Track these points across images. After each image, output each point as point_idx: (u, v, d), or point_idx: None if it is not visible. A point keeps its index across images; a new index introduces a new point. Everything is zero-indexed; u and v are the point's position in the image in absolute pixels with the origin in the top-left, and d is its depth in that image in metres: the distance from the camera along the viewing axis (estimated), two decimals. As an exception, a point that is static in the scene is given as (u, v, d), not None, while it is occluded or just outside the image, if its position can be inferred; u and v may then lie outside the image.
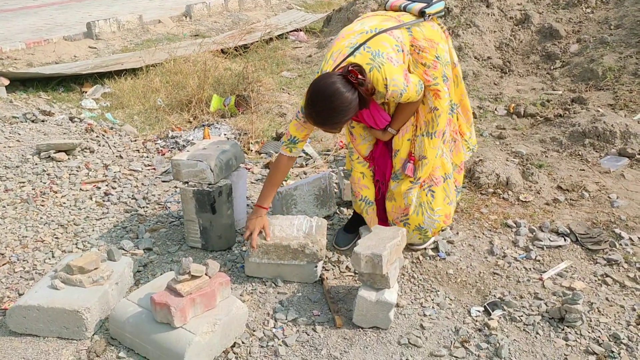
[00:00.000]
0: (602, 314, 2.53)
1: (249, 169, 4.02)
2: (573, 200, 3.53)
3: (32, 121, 4.85)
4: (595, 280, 2.78)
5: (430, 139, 2.71)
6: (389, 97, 2.49)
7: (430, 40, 2.62)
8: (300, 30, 8.67)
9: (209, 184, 2.87)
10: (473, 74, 5.82)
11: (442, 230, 3.09)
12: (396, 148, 2.78)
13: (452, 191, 2.93)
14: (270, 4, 11.16)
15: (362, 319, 2.42)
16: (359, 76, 2.35)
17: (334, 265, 2.89)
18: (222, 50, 6.39)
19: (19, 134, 4.54)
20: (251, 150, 4.39)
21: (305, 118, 2.52)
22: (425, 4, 2.67)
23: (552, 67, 5.93)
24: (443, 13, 2.78)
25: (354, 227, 3.08)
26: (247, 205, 3.41)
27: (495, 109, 5.06)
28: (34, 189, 3.64)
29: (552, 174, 3.84)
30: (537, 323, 2.47)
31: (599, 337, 2.39)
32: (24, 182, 3.72)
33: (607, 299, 2.64)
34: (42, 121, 4.88)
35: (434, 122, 2.69)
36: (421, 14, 2.63)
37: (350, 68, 2.36)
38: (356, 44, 2.47)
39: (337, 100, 2.34)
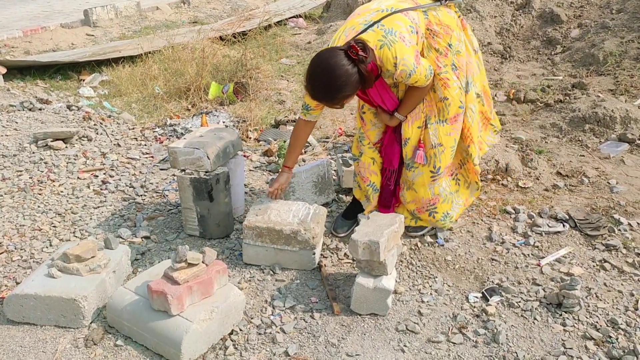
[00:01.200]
0: (600, 300, 2.53)
1: (247, 157, 4.00)
2: (572, 186, 3.52)
3: (30, 109, 4.83)
4: (594, 266, 2.77)
5: (443, 125, 2.70)
6: (397, 76, 2.45)
7: (446, 26, 2.60)
8: (300, 17, 8.60)
9: (206, 172, 2.85)
10: (473, 60, 5.78)
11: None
12: (406, 137, 2.76)
13: (472, 175, 2.95)
14: (269, -10, 11.06)
15: (360, 306, 2.42)
16: (360, 52, 2.31)
17: (332, 253, 2.88)
18: (220, 37, 6.34)
19: (16, 123, 4.52)
20: (250, 138, 4.38)
21: (305, 91, 2.51)
22: None
23: (552, 53, 5.89)
24: (461, 0, 2.74)
25: (352, 213, 3.08)
26: (245, 193, 3.40)
27: (495, 95, 5.02)
28: (31, 178, 3.63)
29: (551, 159, 3.82)
30: (535, 309, 2.47)
31: (597, 322, 2.39)
32: (21, 171, 3.71)
33: (605, 284, 2.63)
34: (40, 109, 4.86)
35: (445, 111, 2.68)
36: None
37: (352, 43, 2.33)
38: (370, 22, 2.44)
39: (334, 74, 2.30)
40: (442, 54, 2.60)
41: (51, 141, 4.05)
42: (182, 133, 4.41)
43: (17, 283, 2.60)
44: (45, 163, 3.83)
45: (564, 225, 3.06)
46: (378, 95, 2.66)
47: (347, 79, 2.32)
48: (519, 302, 2.51)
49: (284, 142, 4.10)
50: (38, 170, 3.74)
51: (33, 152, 3.97)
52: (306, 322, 2.39)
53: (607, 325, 2.37)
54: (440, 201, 2.86)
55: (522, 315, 2.44)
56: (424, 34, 2.57)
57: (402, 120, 2.73)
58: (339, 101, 2.43)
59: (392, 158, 2.86)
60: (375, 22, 2.43)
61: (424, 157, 2.75)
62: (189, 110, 4.94)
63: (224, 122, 4.62)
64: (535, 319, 2.42)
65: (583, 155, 3.88)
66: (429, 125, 2.72)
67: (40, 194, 3.43)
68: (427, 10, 2.58)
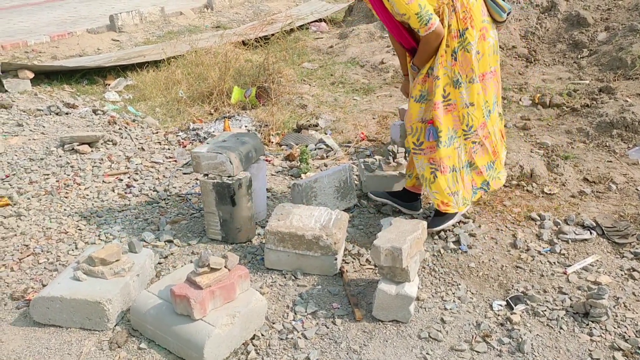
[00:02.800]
0: (629, 309, 2.47)
1: (269, 161, 4.01)
2: (600, 192, 3.45)
3: (56, 114, 4.92)
4: (622, 275, 2.71)
5: (472, 83, 2.69)
6: None
7: (469, 14, 2.60)
8: (322, 21, 8.60)
9: (229, 177, 2.87)
10: (497, 64, 5.71)
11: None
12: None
13: (455, 184, 2.87)
14: (292, -5, 11.10)
15: (382, 313, 2.40)
16: None
17: (353, 258, 2.87)
18: (243, 41, 6.38)
19: (44, 127, 4.61)
20: (272, 142, 4.39)
21: None
22: None
23: (579, 56, 5.79)
24: (504, 17, 2.73)
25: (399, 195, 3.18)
26: (267, 197, 3.41)
27: (520, 100, 4.96)
28: (57, 181, 3.69)
29: (578, 165, 3.76)
30: (561, 318, 2.42)
31: (625, 332, 2.33)
32: (48, 174, 3.77)
33: (634, 293, 2.57)
34: (66, 114, 4.95)
35: (432, 87, 2.70)
36: None
37: None
38: None
39: None
40: (451, 35, 2.61)
41: (77, 145, 4.12)
42: (204, 137, 4.45)
43: (44, 285, 2.64)
44: (72, 167, 3.89)
45: (591, 233, 3.00)
46: (395, 27, 2.69)
47: None
48: (545, 310, 2.47)
49: (306, 146, 4.10)
50: (64, 173, 3.80)
51: (60, 156, 4.04)
52: (328, 328, 2.39)
53: (636, 336, 2.31)
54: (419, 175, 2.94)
55: (547, 325, 2.40)
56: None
57: (414, 73, 2.80)
58: None
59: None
60: None
61: (430, 134, 2.77)
62: (212, 114, 4.98)
63: (246, 126, 4.65)
64: (561, 328, 2.37)
65: (611, 161, 3.80)
66: (461, 85, 2.70)
67: (66, 197, 3.49)
68: None
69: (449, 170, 2.83)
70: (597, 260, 2.82)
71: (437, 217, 2.99)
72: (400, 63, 3.04)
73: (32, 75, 5.63)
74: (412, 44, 2.75)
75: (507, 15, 2.74)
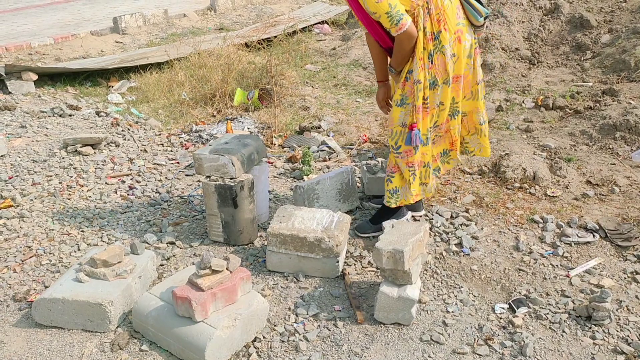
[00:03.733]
0: (632, 313, 2.46)
1: (271, 163, 4.01)
2: (603, 195, 3.44)
3: (60, 115, 4.94)
4: (625, 278, 2.70)
5: (447, 85, 2.72)
6: None
7: (443, 17, 2.59)
8: (325, 23, 8.61)
9: (231, 179, 2.87)
10: (500, 66, 5.70)
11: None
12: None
13: (426, 177, 2.94)
14: (295, -3, 11.12)
15: (384, 315, 2.40)
16: None
17: (355, 260, 2.87)
18: (245, 43, 6.39)
19: (47, 128, 4.62)
20: (274, 144, 4.39)
21: None
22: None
23: (582, 58, 5.78)
24: (480, 22, 2.71)
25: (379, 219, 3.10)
26: (269, 199, 3.41)
27: (523, 102, 4.95)
28: (60, 183, 3.70)
29: (581, 168, 3.75)
30: (564, 321, 2.41)
31: (628, 336, 2.32)
32: (51, 176, 3.78)
33: (637, 297, 2.56)
34: (70, 115, 4.96)
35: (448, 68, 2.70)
36: None
37: None
38: None
39: None
40: (427, 38, 2.61)
41: (80, 147, 4.13)
42: (207, 139, 4.45)
43: (46, 287, 2.65)
44: (75, 168, 3.90)
45: (594, 236, 2.99)
46: (372, 25, 2.68)
47: None
48: (547, 314, 2.46)
49: (308, 148, 4.11)
50: (67, 175, 3.81)
51: (63, 158, 4.05)
52: (329, 330, 2.38)
53: (639, 340, 2.30)
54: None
55: (550, 328, 2.39)
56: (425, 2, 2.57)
57: (393, 76, 2.81)
58: None
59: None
60: None
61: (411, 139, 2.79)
62: (215, 116, 4.99)
63: (248, 128, 4.65)
64: (563, 331, 2.36)
65: (614, 164, 3.79)
66: (438, 87, 2.72)
67: (69, 199, 3.50)
68: None
69: (423, 165, 2.90)
70: (600, 263, 2.81)
71: (388, 212, 3.03)
72: (375, 68, 2.99)
73: (35, 77, 5.65)
74: (388, 43, 2.73)
75: (485, 19, 2.72)
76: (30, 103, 5.26)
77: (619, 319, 2.42)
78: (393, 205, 2.98)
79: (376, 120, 4.77)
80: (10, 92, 5.40)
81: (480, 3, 2.69)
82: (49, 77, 5.96)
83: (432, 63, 2.65)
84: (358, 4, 2.61)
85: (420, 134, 2.76)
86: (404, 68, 2.71)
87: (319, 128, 4.59)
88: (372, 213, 3.27)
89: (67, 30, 7.88)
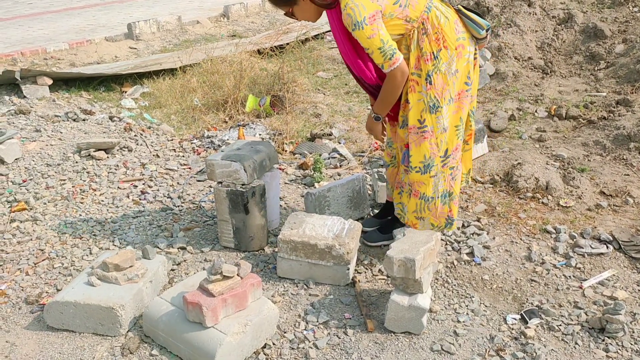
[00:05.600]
0: (646, 326, 2.43)
1: (282, 170, 4.02)
2: (616, 206, 3.41)
3: (74, 120, 4.98)
4: (639, 290, 2.67)
5: (449, 104, 2.57)
6: (344, 20, 2.39)
7: (441, 35, 2.47)
8: (337, 31, 8.62)
9: (243, 184, 2.87)
10: (513, 75, 5.68)
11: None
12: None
13: (423, 211, 2.74)
14: (307, 4, 11.15)
15: (394, 324, 2.39)
16: None
17: (366, 268, 2.86)
18: (258, 50, 6.42)
19: (61, 133, 4.66)
20: (285, 151, 4.40)
21: None
22: (471, 9, 2.60)
23: (596, 68, 5.74)
24: (482, 35, 2.58)
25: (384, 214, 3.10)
26: (280, 206, 3.41)
27: (536, 111, 4.93)
28: (73, 187, 3.73)
29: (594, 178, 3.71)
30: (577, 333, 2.39)
31: (643, 350, 2.29)
32: (64, 180, 3.81)
33: (651, 310, 2.53)
34: (83, 120, 5.00)
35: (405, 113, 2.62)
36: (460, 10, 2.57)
37: None
38: None
39: None
40: (424, 58, 2.49)
41: (94, 151, 4.16)
42: (219, 145, 4.47)
43: (58, 290, 2.66)
44: (88, 172, 3.93)
45: (607, 247, 2.96)
46: (346, 54, 2.59)
47: None
48: (560, 325, 2.43)
49: (319, 155, 4.11)
50: (80, 179, 3.84)
51: (76, 162, 4.08)
52: (339, 338, 2.37)
53: (654, 353, 2.27)
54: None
55: (562, 340, 2.37)
56: (416, 22, 2.47)
57: (379, 120, 2.68)
58: (280, 3, 2.53)
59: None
60: None
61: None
62: (226, 122, 5.01)
63: (260, 134, 4.66)
64: (576, 343, 2.34)
65: (628, 175, 3.76)
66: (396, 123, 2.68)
67: (82, 203, 3.52)
68: (431, 8, 2.48)
69: (420, 196, 2.70)
70: (614, 275, 2.78)
71: (394, 222, 2.99)
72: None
73: (50, 82, 5.70)
74: (375, 78, 2.60)
75: (487, 32, 2.60)
76: (45, 107, 5.31)
77: (633, 332, 2.39)
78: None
79: (388, 128, 4.76)
80: (25, 97, 5.45)
81: (480, 15, 2.60)
82: (64, 82, 6.02)
83: (430, 84, 2.51)
84: (346, 39, 2.53)
85: (409, 152, 2.64)
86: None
87: (330, 135, 4.59)
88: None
89: (82, 36, 7.97)
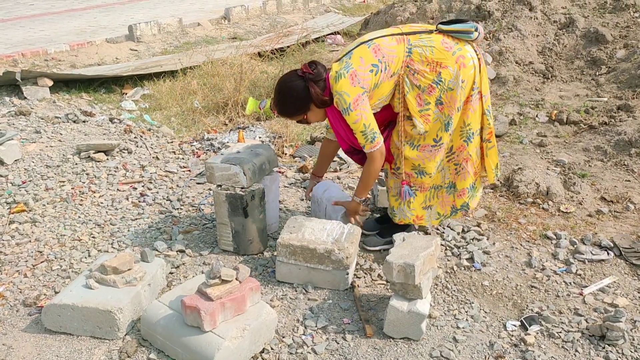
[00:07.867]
0: (647, 333, 2.42)
1: (282, 173, 4.01)
2: (617, 212, 3.40)
3: (74, 121, 4.97)
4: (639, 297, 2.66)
5: (412, 148, 2.73)
6: (336, 105, 2.62)
7: (434, 62, 2.56)
8: (338, 34, 8.65)
9: (242, 188, 2.87)
10: (514, 79, 5.68)
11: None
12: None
13: (432, 199, 2.89)
14: (308, 7, 11.19)
15: (393, 329, 2.37)
16: (308, 70, 2.61)
17: (365, 273, 2.85)
18: (258, 53, 6.42)
19: (61, 134, 4.65)
20: (285, 154, 4.39)
21: None
22: (452, 20, 2.64)
23: (597, 73, 5.74)
24: (473, 37, 2.60)
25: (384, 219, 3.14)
26: (280, 209, 3.40)
27: (536, 116, 4.92)
28: (73, 188, 3.72)
29: (595, 184, 3.70)
30: (577, 340, 2.38)
31: (643, 357, 2.28)
32: (64, 182, 3.80)
33: (652, 317, 2.52)
34: (83, 121, 4.99)
35: (421, 138, 2.72)
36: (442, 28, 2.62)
37: (305, 63, 2.65)
38: (348, 49, 2.65)
39: (283, 86, 2.67)
40: (426, 91, 2.60)
41: (93, 153, 4.15)
42: (219, 147, 4.46)
43: (56, 292, 2.65)
44: (87, 174, 3.92)
45: (608, 253, 2.95)
46: (339, 125, 2.76)
47: (294, 91, 2.62)
48: (560, 332, 2.42)
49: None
50: (80, 181, 3.83)
51: (76, 163, 4.07)
52: (338, 343, 2.36)
53: (654, 361, 2.26)
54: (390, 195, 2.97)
55: (562, 347, 2.35)
56: (399, 72, 2.60)
57: (359, 202, 2.89)
58: (294, 114, 2.73)
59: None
60: (348, 52, 2.62)
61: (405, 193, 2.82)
62: (226, 125, 5.00)
63: (260, 137, 4.66)
64: (576, 350, 2.33)
65: (629, 180, 3.75)
66: (400, 143, 2.74)
67: (81, 205, 3.51)
68: (413, 48, 2.58)
69: (430, 187, 2.86)
70: (614, 282, 2.76)
71: (394, 227, 3.00)
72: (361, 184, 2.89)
73: (51, 83, 5.70)
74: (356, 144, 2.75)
75: (476, 31, 2.61)
76: (45, 109, 5.30)
77: (633, 339, 2.38)
78: (396, 221, 2.97)
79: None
80: (25, 98, 5.45)
81: (462, 21, 2.62)
82: (64, 83, 6.02)
83: (442, 104, 2.62)
84: (336, 116, 2.71)
85: (409, 189, 2.81)
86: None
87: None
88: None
89: (83, 37, 7.97)
